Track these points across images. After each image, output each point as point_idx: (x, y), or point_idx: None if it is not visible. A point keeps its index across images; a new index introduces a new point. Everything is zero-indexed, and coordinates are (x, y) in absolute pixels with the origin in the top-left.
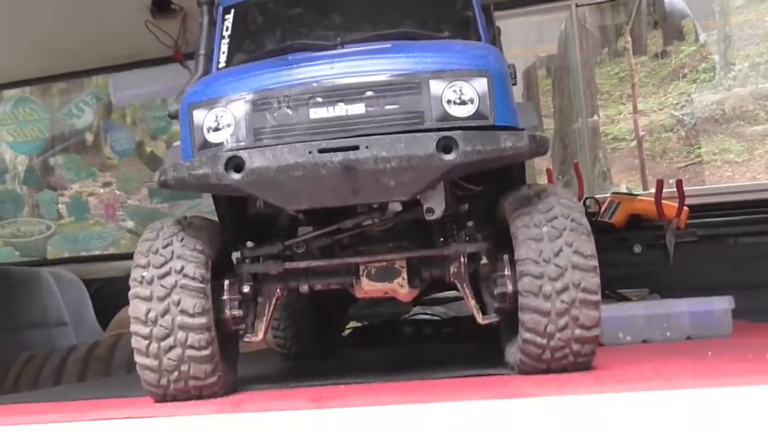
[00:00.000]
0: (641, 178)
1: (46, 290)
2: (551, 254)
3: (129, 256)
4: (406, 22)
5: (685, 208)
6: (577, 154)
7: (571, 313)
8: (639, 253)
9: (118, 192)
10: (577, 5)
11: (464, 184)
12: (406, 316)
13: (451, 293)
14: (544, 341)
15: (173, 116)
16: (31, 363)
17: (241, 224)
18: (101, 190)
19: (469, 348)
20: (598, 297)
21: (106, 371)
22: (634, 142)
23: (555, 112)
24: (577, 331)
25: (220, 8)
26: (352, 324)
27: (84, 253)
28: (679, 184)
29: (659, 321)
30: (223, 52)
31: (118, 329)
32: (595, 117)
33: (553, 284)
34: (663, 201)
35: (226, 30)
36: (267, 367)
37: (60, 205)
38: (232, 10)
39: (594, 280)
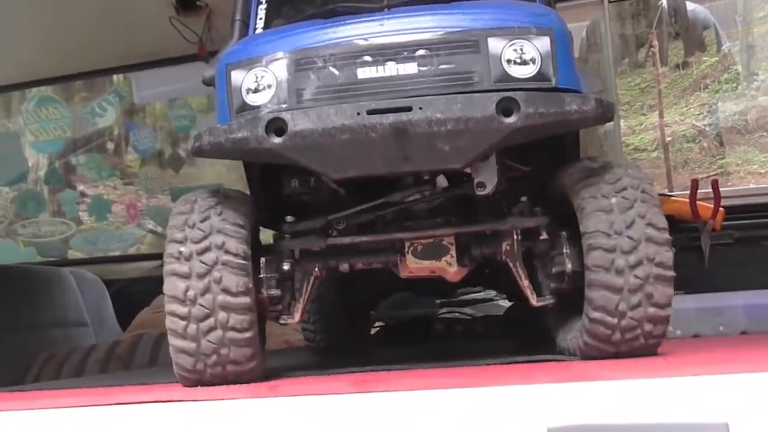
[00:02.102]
0: (668, 184)
1: (67, 290)
2: (623, 226)
3: (150, 257)
4: None
5: (721, 209)
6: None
7: (645, 289)
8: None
9: (139, 192)
10: (609, 1)
11: (513, 164)
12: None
13: (479, 295)
14: (615, 320)
15: (208, 83)
16: (51, 362)
17: (274, 201)
18: (123, 190)
19: (510, 342)
20: (672, 273)
21: (126, 370)
22: (656, 153)
23: None
24: (651, 310)
25: None
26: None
27: (103, 254)
28: (714, 184)
29: (711, 315)
30: (261, 18)
31: (139, 330)
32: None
33: (627, 258)
34: (698, 202)
35: None
36: (295, 359)
37: (81, 206)
38: None
39: (668, 254)
